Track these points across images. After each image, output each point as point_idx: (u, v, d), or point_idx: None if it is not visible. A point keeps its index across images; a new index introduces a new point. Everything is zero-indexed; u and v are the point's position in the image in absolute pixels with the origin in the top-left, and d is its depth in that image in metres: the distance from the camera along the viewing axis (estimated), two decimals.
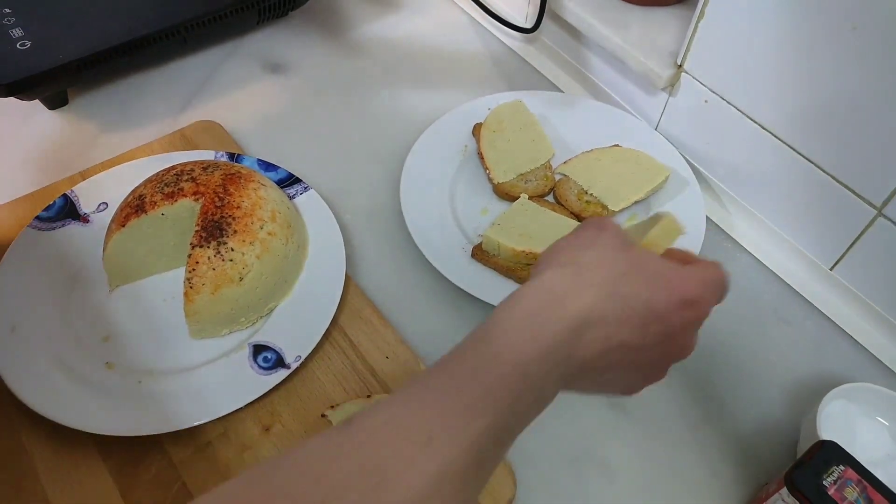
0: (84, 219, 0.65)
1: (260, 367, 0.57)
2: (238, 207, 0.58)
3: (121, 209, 0.60)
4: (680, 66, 0.70)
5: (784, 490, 0.48)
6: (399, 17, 0.93)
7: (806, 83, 0.60)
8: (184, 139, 0.75)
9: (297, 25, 0.90)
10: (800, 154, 0.63)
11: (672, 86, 0.72)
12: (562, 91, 0.84)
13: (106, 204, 0.66)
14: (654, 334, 0.37)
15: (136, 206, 0.59)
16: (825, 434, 0.53)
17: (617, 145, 0.75)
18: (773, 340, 0.65)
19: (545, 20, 0.83)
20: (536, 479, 0.56)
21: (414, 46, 0.89)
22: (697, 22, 0.66)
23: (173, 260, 0.63)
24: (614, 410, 0.60)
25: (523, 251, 0.63)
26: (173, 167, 0.61)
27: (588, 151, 0.74)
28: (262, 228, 0.58)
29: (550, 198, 0.72)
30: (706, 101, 0.69)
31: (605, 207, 0.69)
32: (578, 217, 0.69)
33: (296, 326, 0.60)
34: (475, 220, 0.70)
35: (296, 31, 0.90)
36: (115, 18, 0.78)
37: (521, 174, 0.71)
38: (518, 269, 0.64)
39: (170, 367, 0.57)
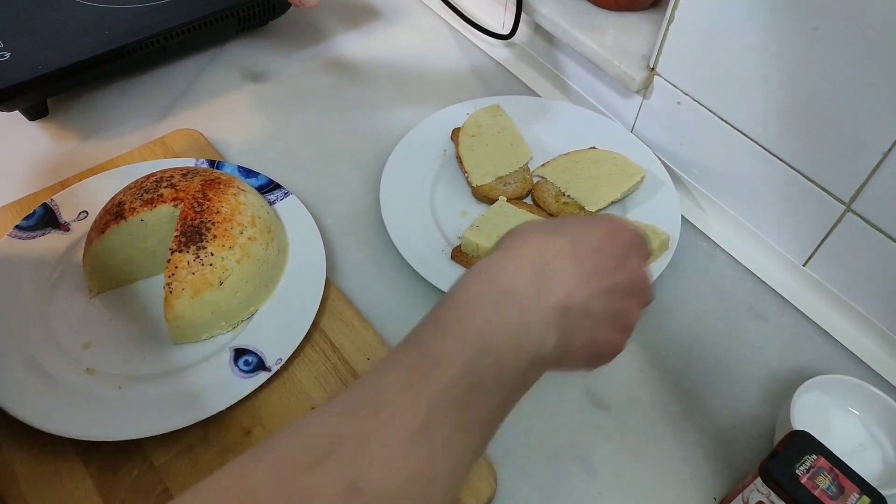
0: (64, 227, 0.66)
1: (241, 370, 0.57)
2: (217, 212, 0.58)
3: (100, 216, 0.60)
4: (652, 68, 0.71)
5: (759, 480, 0.49)
6: (377, 25, 0.94)
7: (773, 83, 0.61)
8: (164, 147, 0.75)
9: (276, 34, 0.91)
10: (770, 153, 0.65)
11: (645, 88, 0.73)
12: (539, 96, 0.85)
13: (86, 212, 0.67)
14: (605, 268, 0.39)
15: (115, 212, 0.59)
16: (799, 425, 0.54)
17: (593, 147, 0.76)
18: (749, 336, 0.66)
19: (521, 26, 0.84)
20: (517, 474, 0.56)
21: (392, 54, 0.90)
22: (668, 25, 0.67)
23: (153, 266, 0.64)
24: (594, 406, 0.60)
25: None
26: (153, 174, 0.62)
27: (565, 154, 0.75)
28: (241, 233, 0.59)
29: (529, 200, 0.73)
30: (679, 103, 0.71)
31: (582, 208, 0.70)
32: None
33: (277, 330, 0.60)
34: (455, 222, 0.71)
35: (275, 40, 0.90)
36: (94, 29, 0.78)
37: (500, 177, 0.72)
38: None
39: (151, 373, 0.58)
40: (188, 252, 0.56)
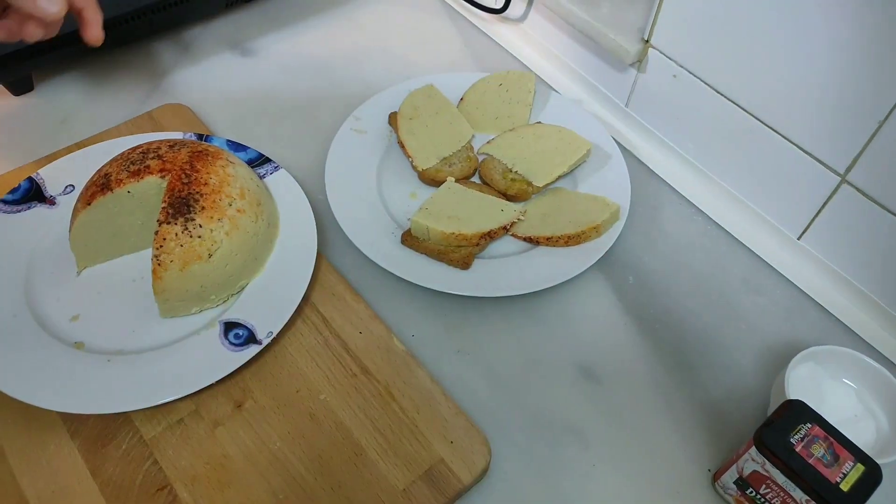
0: (50, 201, 0.64)
1: (231, 343, 0.57)
2: (206, 184, 0.58)
3: (86, 188, 0.59)
4: (647, 41, 0.71)
5: (753, 449, 0.49)
6: (367, 1, 0.92)
7: (769, 54, 0.60)
8: (151, 121, 0.74)
9: (265, 9, 0.90)
10: (765, 124, 0.64)
11: (640, 61, 0.73)
12: (532, 71, 0.84)
13: (73, 186, 0.65)
14: None
15: (101, 184, 0.58)
16: (794, 395, 0.54)
17: (539, 122, 0.75)
18: (744, 309, 0.65)
19: (514, 1, 0.83)
20: (510, 447, 0.56)
21: (384, 30, 0.89)
22: None
23: (141, 240, 0.63)
24: (587, 379, 0.60)
25: (452, 233, 0.63)
26: (139, 146, 0.61)
27: (510, 130, 0.74)
28: (230, 205, 0.58)
29: (476, 179, 0.73)
30: (674, 76, 0.70)
31: (529, 184, 0.70)
32: (505, 195, 0.69)
33: (267, 303, 0.59)
34: (404, 204, 0.70)
35: (265, 15, 0.89)
36: None
37: (444, 158, 0.71)
38: (449, 251, 0.64)
39: (139, 346, 0.57)
40: (176, 224, 0.55)
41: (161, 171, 0.58)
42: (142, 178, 0.57)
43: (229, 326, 0.58)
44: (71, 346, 0.56)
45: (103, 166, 0.60)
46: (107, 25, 0.77)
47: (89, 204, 0.57)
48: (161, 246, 0.55)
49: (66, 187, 0.65)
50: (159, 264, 0.55)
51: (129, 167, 0.58)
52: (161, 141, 0.61)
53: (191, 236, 0.55)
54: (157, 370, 0.55)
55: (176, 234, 0.55)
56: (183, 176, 0.57)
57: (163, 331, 0.58)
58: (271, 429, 0.54)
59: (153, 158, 0.58)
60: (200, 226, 0.56)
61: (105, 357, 0.55)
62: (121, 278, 0.61)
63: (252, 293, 0.60)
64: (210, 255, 0.56)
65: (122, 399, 0.53)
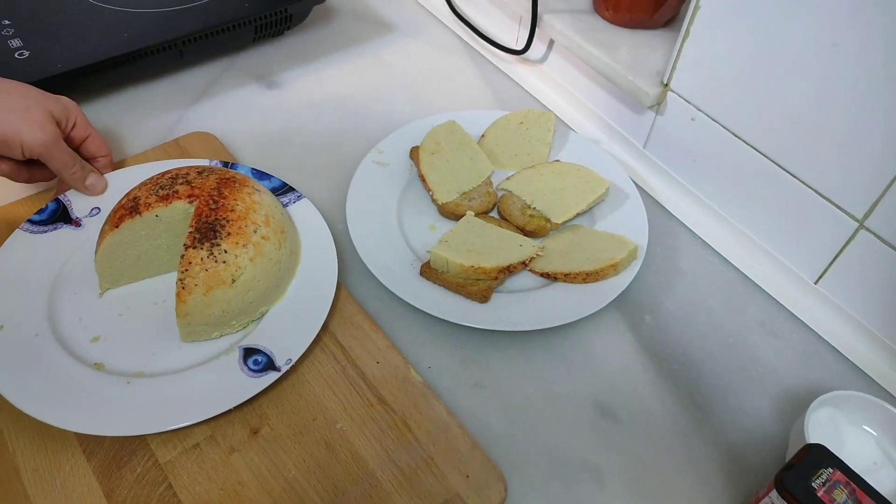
0: (76, 222, 0.65)
1: (250, 369, 0.57)
2: (232, 210, 0.58)
3: (115, 210, 0.60)
4: (666, 84, 0.72)
5: (774, 493, 0.48)
6: (392, 39, 0.95)
7: (788, 100, 0.62)
8: (178, 148, 0.75)
9: (292, 44, 0.92)
10: (783, 169, 0.65)
11: (659, 104, 0.74)
12: (551, 111, 0.86)
13: (98, 209, 0.66)
14: None
15: (130, 207, 0.59)
16: (813, 440, 0.54)
17: (557, 160, 0.77)
18: (761, 352, 0.65)
19: (535, 42, 0.85)
20: (526, 483, 0.55)
21: (407, 67, 0.91)
22: (683, 41, 0.68)
23: (165, 264, 0.63)
24: (604, 417, 0.60)
25: (472, 266, 0.64)
26: (168, 171, 0.62)
27: (529, 167, 0.75)
28: (255, 232, 0.59)
29: (495, 213, 0.73)
30: (693, 119, 0.71)
31: (548, 220, 0.70)
32: (524, 231, 0.70)
33: (287, 330, 0.60)
34: (423, 236, 0.70)
35: (291, 50, 0.91)
36: (113, 31, 0.79)
37: (464, 193, 0.72)
38: (467, 284, 0.64)
39: (159, 369, 0.57)
40: (202, 248, 0.56)
41: (189, 196, 0.59)
42: (170, 202, 0.58)
43: (248, 353, 0.58)
44: (91, 367, 0.56)
45: (132, 190, 0.61)
46: (138, 55, 0.79)
47: (117, 226, 0.58)
48: (186, 270, 0.55)
49: (92, 210, 0.66)
50: (183, 288, 0.55)
51: (157, 192, 0.59)
52: (190, 167, 0.62)
53: (216, 261, 0.56)
54: (176, 394, 0.55)
55: (202, 259, 0.56)
56: (210, 202, 0.58)
57: (183, 354, 0.58)
58: (287, 457, 0.54)
59: (182, 184, 0.60)
60: (226, 251, 0.57)
61: (125, 379, 0.56)
62: (143, 301, 0.62)
63: (272, 320, 0.60)
64: (234, 281, 0.57)
65: (140, 422, 0.52)
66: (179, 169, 0.62)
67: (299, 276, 0.63)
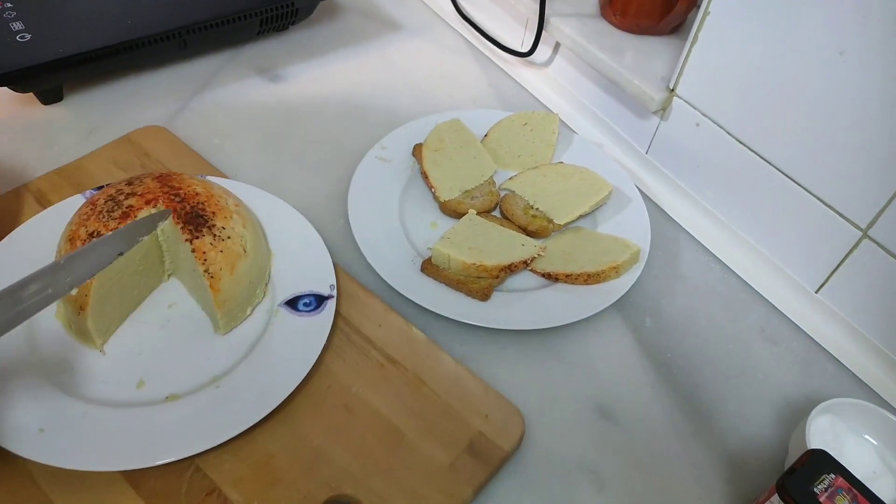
0: None
1: (306, 311, 0.59)
2: (197, 194, 0.58)
3: None
4: (672, 90, 0.72)
5: (775, 497, 0.48)
6: (397, 37, 0.94)
7: (795, 107, 0.62)
8: (131, 145, 0.73)
9: (296, 38, 0.92)
10: (787, 176, 0.65)
11: (664, 109, 0.74)
12: (554, 112, 0.86)
13: None
14: None
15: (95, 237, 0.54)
16: (813, 447, 0.53)
17: (561, 162, 0.76)
18: (760, 359, 0.65)
19: (541, 45, 0.85)
20: (525, 484, 0.55)
21: (411, 65, 0.91)
22: (691, 47, 0.68)
23: (143, 288, 0.60)
24: (604, 419, 0.59)
25: (473, 264, 0.63)
26: (96, 197, 0.57)
27: (533, 167, 0.75)
28: (228, 203, 0.60)
29: (497, 213, 0.73)
30: (697, 125, 0.71)
31: (550, 221, 0.70)
32: (526, 231, 0.70)
33: (303, 271, 0.62)
34: (424, 233, 0.70)
35: (295, 44, 0.91)
36: (117, 18, 0.78)
37: (466, 191, 0.72)
38: (468, 282, 0.64)
39: (226, 367, 0.56)
40: (205, 236, 0.55)
41: (148, 203, 0.56)
42: (134, 216, 0.55)
43: (292, 303, 0.60)
44: (164, 400, 0.54)
45: (75, 230, 0.55)
46: (141, 42, 0.79)
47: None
48: (205, 260, 0.55)
49: None
50: (212, 276, 0.55)
51: (111, 215, 0.55)
52: (113, 185, 0.58)
53: (223, 240, 0.56)
54: (259, 376, 0.55)
55: (211, 244, 0.55)
56: (172, 197, 0.57)
57: (233, 345, 0.58)
58: (309, 425, 0.54)
59: (129, 197, 0.56)
60: (223, 228, 0.57)
61: (204, 392, 0.54)
62: (150, 328, 0.59)
63: (281, 274, 0.62)
64: (245, 251, 0.58)
65: (224, 428, 0.52)
66: (105, 192, 0.57)
67: (269, 230, 0.65)
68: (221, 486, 0.51)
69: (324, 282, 0.61)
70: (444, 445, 0.54)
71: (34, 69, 0.73)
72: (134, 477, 0.51)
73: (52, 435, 0.50)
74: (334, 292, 0.60)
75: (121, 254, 0.51)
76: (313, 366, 0.56)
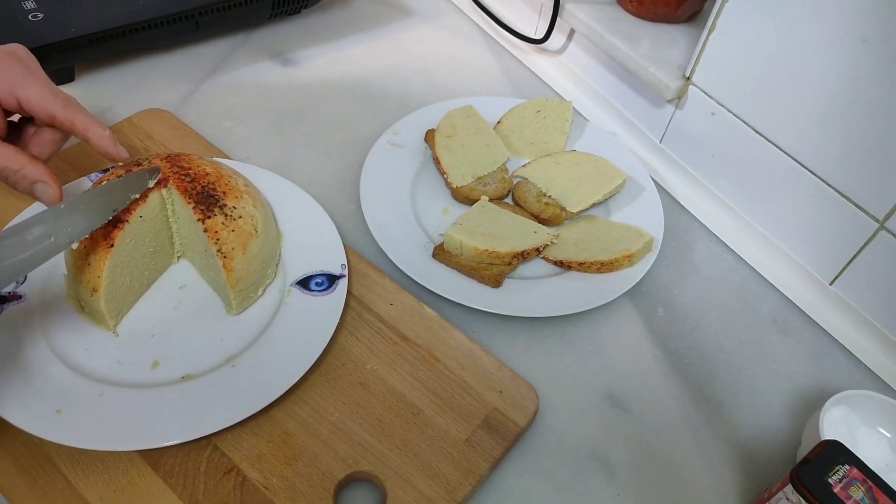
0: (14, 297, 0.57)
1: (319, 290, 0.59)
2: (207, 174, 0.58)
3: (91, 238, 0.53)
4: (688, 78, 0.71)
5: (789, 487, 0.48)
6: (410, 23, 0.94)
7: (813, 96, 0.61)
8: (132, 127, 0.73)
9: (308, 23, 0.91)
10: (804, 166, 0.64)
11: (679, 98, 0.73)
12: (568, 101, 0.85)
13: (24, 276, 0.58)
14: None
15: (112, 221, 0.53)
16: (827, 438, 0.53)
17: (574, 150, 0.76)
18: (773, 349, 0.65)
19: (555, 32, 0.85)
20: (535, 471, 0.55)
21: (424, 51, 0.90)
22: (708, 35, 0.67)
23: (153, 270, 0.60)
24: (615, 407, 0.59)
25: (486, 250, 0.63)
26: (103, 179, 0.56)
27: (546, 155, 0.75)
28: (238, 182, 0.59)
29: (509, 200, 0.73)
30: (713, 114, 0.71)
31: (563, 209, 0.70)
32: (538, 218, 0.69)
33: (314, 252, 0.62)
34: (436, 219, 0.70)
35: (307, 28, 0.90)
36: None
37: (479, 178, 0.72)
38: (480, 268, 0.64)
39: (242, 346, 0.56)
40: (216, 215, 0.55)
41: (157, 183, 0.56)
42: (146, 198, 0.55)
43: (304, 283, 0.60)
44: (180, 380, 0.54)
45: None
46: (154, 23, 0.78)
47: (112, 246, 0.53)
48: (218, 240, 0.55)
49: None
50: (225, 256, 0.55)
51: None
52: (122, 167, 0.57)
53: (234, 219, 0.56)
54: (274, 354, 0.55)
55: (222, 224, 0.55)
56: (183, 177, 0.57)
57: (246, 324, 0.58)
58: (326, 402, 0.55)
59: None
60: (234, 208, 0.57)
61: (220, 372, 0.54)
62: (161, 310, 0.58)
63: (292, 254, 0.62)
64: (256, 230, 0.57)
65: (247, 403, 0.52)
66: (114, 172, 0.57)
67: (279, 211, 0.65)
68: (240, 465, 0.51)
69: (335, 261, 0.61)
70: (460, 421, 0.54)
71: (46, 48, 0.72)
72: (152, 456, 0.51)
73: (69, 416, 0.50)
74: (345, 271, 0.61)
75: (115, 210, 0.53)
76: (327, 344, 0.56)
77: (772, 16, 0.61)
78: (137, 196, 0.54)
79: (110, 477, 0.50)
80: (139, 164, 0.58)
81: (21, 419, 0.49)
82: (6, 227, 0.57)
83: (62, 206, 0.50)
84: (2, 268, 0.46)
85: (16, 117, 0.58)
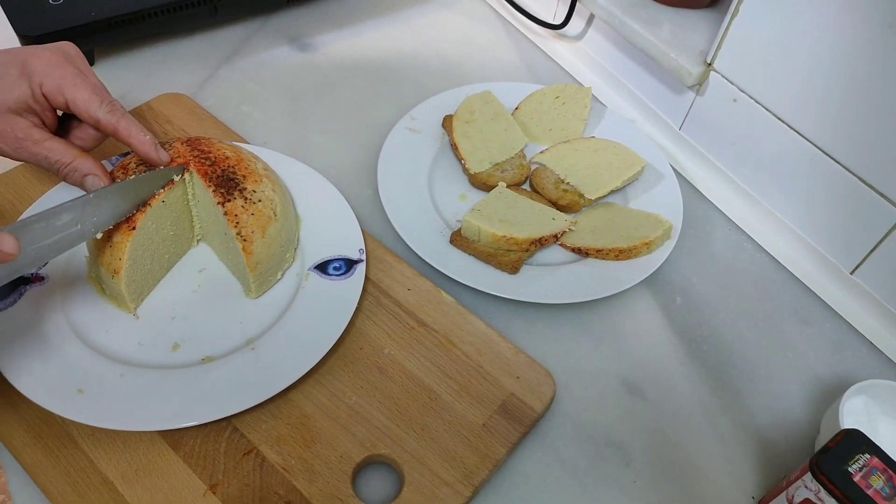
0: (37, 279, 0.57)
1: (337, 275, 0.59)
2: (227, 158, 0.58)
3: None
4: (710, 64, 0.70)
5: (808, 476, 0.48)
6: (427, 8, 0.93)
7: (838, 82, 0.60)
8: (151, 112, 0.73)
9: (326, 7, 0.91)
10: (827, 154, 0.64)
11: (700, 84, 0.73)
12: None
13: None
14: None
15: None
16: (847, 427, 0.52)
17: (593, 136, 0.75)
18: (793, 339, 0.64)
19: (574, 17, 0.84)
20: (552, 457, 0.55)
21: (441, 36, 0.90)
22: (731, 20, 0.66)
23: (173, 254, 0.61)
24: (632, 394, 0.59)
25: (504, 236, 0.63)
26: (125, 164, 0.57)
27: (565, 141, 0.74)
28: (257, 167, 0.59)
29: (527, 186, 0.72)
30: (735, 101, 0.70)
31: (581, 196, 0.69)
32: (556, 205, 0.69)
33: (333, 236, 0.62)
34: (453, 205, 0.70)
35: (325, 13, 0.90)
36: None
37: (497, 164, 0.71)
38: (498, 255, 0.64)
39: (261, 329, 0.57)
40: (236, 199, 0.55)
41: (179, 166, 0.57)
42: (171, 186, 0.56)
43: (322, 267, 0.60)
44: (200, 362, 0.55)
45: None
46: (174, 6, 0.78)
47: (134, 228, 0.54)
48: (237, 223, 0.55)
49: None
50: (245, 240, 0.55)
51: None
52: (134, 155, 0.58)
53: (254, 203, 0.56)
54: (295, 337, 0.56)
55: (242, 207, 0.55)
56: (203, 160, 0.57)
57: (266, 308, 0.58)
58: (343, 385, 0.55)
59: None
60: (254, 192, 0.57)
61: (239, 354, 0.55)
62: (181, 293, 0.59)
63: (311, 237, 0.62)
64: (275, 214, 0.57)
65: (270, 384, 0.53)
66: (133, 157, 0.57)
67: (297, 196, 0.65)
68: (259, 446, 0.51)
69: (353, 246, 0.62)
70: (477, 406, 0.55)
71: (66, 32, 0.73)
72: (173, 437, 0.51)
73: (90, 396, 0.51)
74: (363, 256, 0.61)
75: (140, 204, 0.54)
76: (345, 329, 0.56)
77: (796, 0, 0.60)
78: (163, 190, 0.56)
79: (131, 456, 0.50)
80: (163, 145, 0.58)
81: (44, 398, 0.50)
82: (34, 211, 0.58)
83: (91, 196, 0.51)
84: (28, 251, 0.47)
85: None
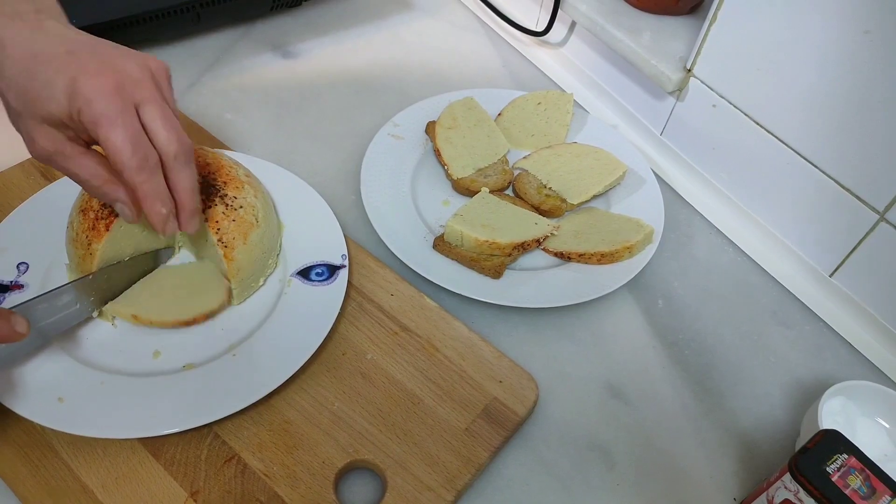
0: (16, 287, 0.57)
1: (319, 280, 0.59)
2: (208, 164, 0.58)
3: (89, 227, 0.54)
4: (689, 70, 0.71)
5: (787, 476, 0.48)
6: (411, 16, 0.94)
7: (815, 87, 0.61)
8: None
9: (309, 15, 0.91)
10: (805, 158, 0.64)
11: (680, 90, 0.73)
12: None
13: (27, 264, 0.58)
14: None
15: (110, 210, 0.54)
16: (826, 427, 0.53)
17: (575, 142, 0.76)
18: (773, 341, 0.65)
19: (556, 24, 0.84)
20: (535, 461, 0.55)
21: (424, 44, 0.90)
22: (709, 26, 0.67)
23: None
24: (615, 398, 0.59)
25: (486, 241, 0.63)
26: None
27: (547, 147, 0.75)
28: (239, 172, 0.59)
29: (509, 191, 0.73)
30: (714, 106, 0.71)
31: (564, 200, 0.70)
32: (539, 210, 0.69)
33: (315, 242, 0.62)
34: (437, 210, 0.70)
35: (308, 21, 0.90)
36: None
37: (479, 169, 0.72)
38: (481, 259, 0.64)
39: (244, 334, 0.57)
40: (217, 205, 0.55)
41: None
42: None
43: (304, 273, 0.60)
44: (181, 369, 0.54)
45: (88, 200, 0.55)
46: (155, 15, 0.78)
47: (108, 230, 0.53)
48: (218, 230, 0.55)
49: (19, 265, 0.58)
50: (226, 246, 0.55)
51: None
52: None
53: (235, 209, 0.56)
54: (277, 341, 0.56)
55: (223, 213, 0.55)
56: None
57: (250, 313, 0.58)
58: (326, 391, 0.55)
59: None
60: (235, 198, 0.57)
61: (221, 361, 0.54)
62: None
63: (293, 245, 0.62)
64: (257, 220, 0.57)
65: (255, 385, 0.53)
66: None
67: (280, 202, 0.65)
68: (241, 453, 0.51)
69: (335, 252, 0.62)
70: (460, 410, 0.55)
71: None
72: (153, 444, 0.51)
73: (71, 404, 0.50)
74: (346, 262, 0.61)
75: (134, 279, 0.57)
76: (328, 334, 0.56)
77: (774, 7, 0.61)
78: (155, 267, 0.59)
79: (112, 465, 0.50)
80: None
81: (23, 407, 0.49)
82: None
83: (89, 278, 0.54)
84: (33, 330, 0.50)
85: None
